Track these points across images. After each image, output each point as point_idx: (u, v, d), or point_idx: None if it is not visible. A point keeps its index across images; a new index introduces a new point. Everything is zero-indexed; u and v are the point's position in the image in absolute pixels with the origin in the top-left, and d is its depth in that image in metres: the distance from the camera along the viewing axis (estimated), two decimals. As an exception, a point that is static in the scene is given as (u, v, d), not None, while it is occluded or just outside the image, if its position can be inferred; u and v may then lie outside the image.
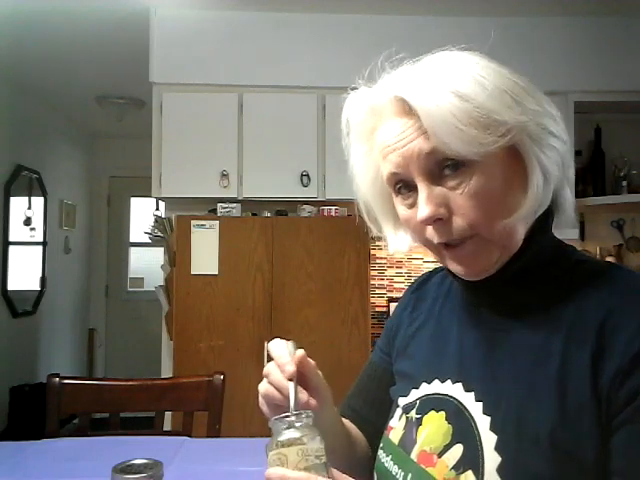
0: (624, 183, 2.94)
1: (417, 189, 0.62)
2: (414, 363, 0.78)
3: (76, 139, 4.93)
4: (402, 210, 0.67)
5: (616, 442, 0.55)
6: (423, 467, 0.66)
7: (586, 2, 2.81)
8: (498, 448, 0.60)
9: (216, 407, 1.60)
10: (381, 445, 0.76)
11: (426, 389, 0.72)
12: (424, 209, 0.61)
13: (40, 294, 4.22)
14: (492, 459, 0.59)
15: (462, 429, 0.64)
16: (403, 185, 0.65)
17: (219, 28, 2.84)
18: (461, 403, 0.66)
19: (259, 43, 2.83)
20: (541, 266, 0.66)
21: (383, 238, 0.76)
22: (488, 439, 0.61)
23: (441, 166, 0.61)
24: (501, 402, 0.62)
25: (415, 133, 0.60)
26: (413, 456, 0.68)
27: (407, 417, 0.73)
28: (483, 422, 0.62)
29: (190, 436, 1.54)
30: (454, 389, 0.69)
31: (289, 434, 0.60)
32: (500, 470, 0.59)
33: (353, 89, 0.69)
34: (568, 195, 0.67)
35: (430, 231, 0.63)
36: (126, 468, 0.81)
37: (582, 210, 3.02)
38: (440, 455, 0.65)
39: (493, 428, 0.61)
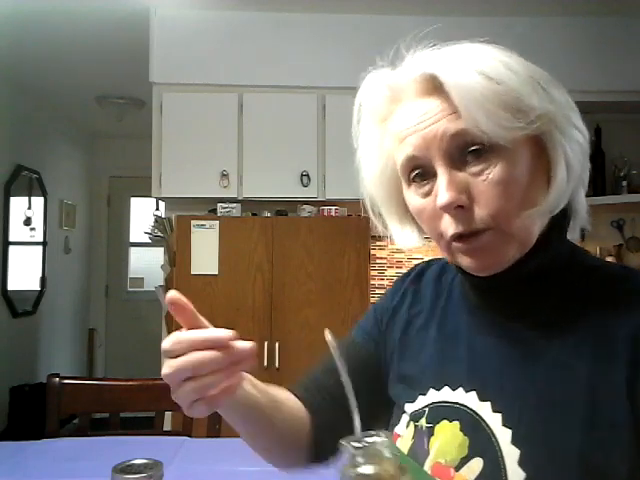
0: (624, 183, 2.94)
1: (434, 176, 0.59)
2: (419, 366, 0.73)
3: (76, 139, 4.93)
4: (415, 200, 0.63)
5: None
6: None
7: (586, 2, 2.81)
8: (522, 463, 0.57)
9: (216, 407, 1.59)
10: None
11: (435, 396, 0.69)
12: (444, 194, 0.57)
13: (40, 294, 4.22)
14: (517, 474, 0.57)
15: (480, 441, 0.61)
16: (419, 172, 0.61)
17: (219, 28, 2.84)
18: (476, 413, 0.63)
19: (259, 43, 2.83)
20: (557, 269, 0.63)
21: (389, 234, 0.72)
22: (510, 453, 0.58)
23: (464, 151, 0.58)
24: (523, 415, 0.59)
25: (440, 114, 0.58)
26: (427, 468, 0.64)
27: (416, 425, 0.69)
28: (504, 435, 0.59)
29: (190, 436, 1.54)
30: (467, 398, 0.65)
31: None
32: None
33: (370, 72, 0.66)
34: (582, 198, 0.64)
35: (446, 221, 0.60)
36: (126, 468, 0.81)
37: (582, 210, 3.02)
38: (457, 469, 0.61)
39: (515, 442, 0.58)
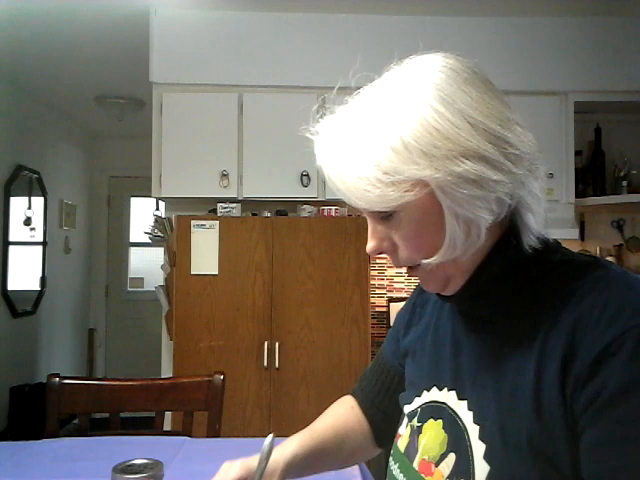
0: (624, 183, 2.94)
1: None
2: (418, 370, 0.79)
3: (76, 139, 4.93)
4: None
5: (582, 448, 0.55)
6: (423, 476, 0.67)
7: (586, 2, 2.81)
8: (486, 457, 0.60)
9: (216, 407, 1.60)
10: (391, 452, 0.77)
11: (426, 397, 0.74)
12: (369, 243, 0.66)
13: (40, 294, 4.22)
14: (482, 468, 0.60)
15: (455, 438, 0.65)
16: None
17: (219, 28, 2.84)
18: (454, 411, 0.67)
19: (259, 43, 2.83)
20: (513, 273, 0.64)
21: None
22: (478, 448, 0.62)
23: (381, 214, 0.63)
24: (488, 411, 0.63)
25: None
26: (415, 465, 0.69)
27: (411, 425, 0.74)
28: (473, 431, 0.63)
29: (190, 436, 1.54)
30: (449, 397, 0.69)
31: None
32: (489, 479, 0.59)
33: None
34: (529, 218, 0.63)
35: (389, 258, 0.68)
36: (126, 468, 0.81)
37: (582, 210, 3.02)
38: (437, 464, 0.66)
39: (482, 437, 0.62)
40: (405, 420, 0.76)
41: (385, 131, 0.58)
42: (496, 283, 0.65)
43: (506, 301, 0.66)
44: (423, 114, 0.57)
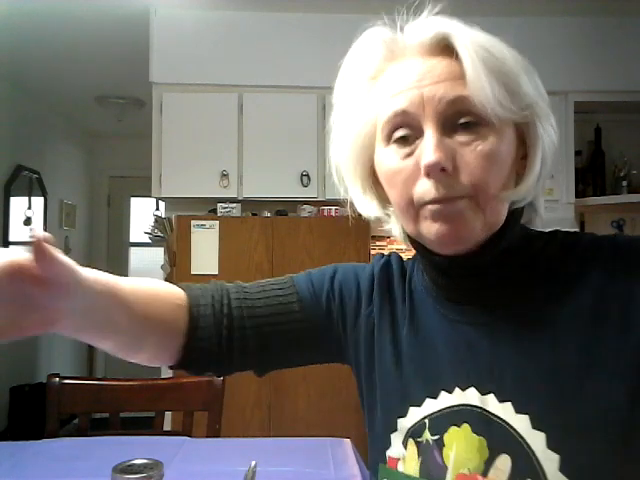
0: (624, 183, 2.94)
1: (417, 139, 0.58)
2: (402, 376, 0.67)
3: (76, 139, 4.93)
4: (393, 161, 0.60)
5: None
6: None
7: (586, 2, 2.81)
8: (551, 446, 0.55)
9: (216, 407, 1.60)
10: None
11: (433, 405, 0.63)
12: (432, 154, 0.55)
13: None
14: (549, 459, 0.55)
15: (497, 437, 0.58)
16: (403, 134, 0.59)
17: (219, 28, 2.84)
18: (483, 409, 0.60)
19: (259, 43, 2.83)
20: (516, 251, 0.63)
21: (348, 200, 0.69)
22: (535, 439, 0.56)
23: (457, 119, 0.57)
24: (533, 398, 0.57)
25: (445, 76, 0.57)
26: None
27: (418, 442, 0.63)
28: (520, 422, 0.57)
29: (190, 436, 1.54)
30: (468, 396, 0.61)
31: None
32: (563, 468, 0.54)
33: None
34: (541, 203, 0.66)
35: (424, 185, 0.57)
36: (126, 468, 0.81)
37: (582, 210, 3.02)
38: (485, 473, 0.58)
39: (536, 426, 0.56)
40: (398, 438, 0.65)
41: (513, 53, 0.60)
42: (513, 250, 0.62)
43: (514, 276, 0.63)
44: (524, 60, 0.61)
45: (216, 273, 2.60)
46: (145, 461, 0.83)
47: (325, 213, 2.76)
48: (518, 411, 0.57)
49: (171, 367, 0.70)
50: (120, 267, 5.21)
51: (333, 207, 2.76)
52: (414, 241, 0.65)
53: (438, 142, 0.56)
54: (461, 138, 0.57)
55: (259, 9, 2.82)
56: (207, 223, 2.62)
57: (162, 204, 3.14)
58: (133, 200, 5.26)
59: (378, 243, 3.00)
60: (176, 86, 2.80)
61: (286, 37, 2.84)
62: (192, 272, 2.59)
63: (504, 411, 0.58)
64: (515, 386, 0.59)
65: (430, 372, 0.65)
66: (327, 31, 2.86)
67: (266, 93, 2.81)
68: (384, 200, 0.66)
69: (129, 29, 2.92)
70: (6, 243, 3.78)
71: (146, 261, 5.12)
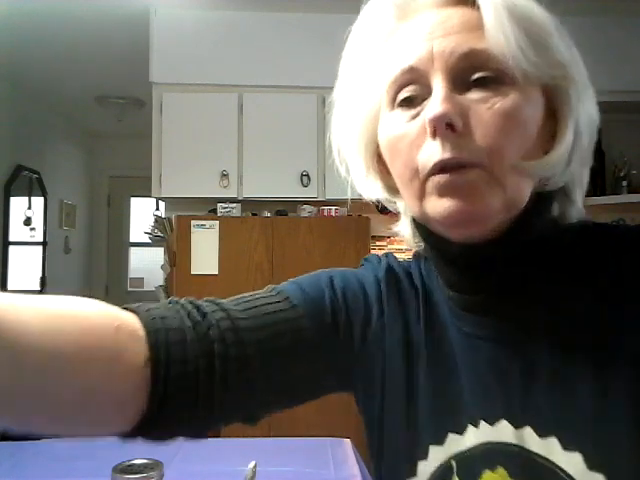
0: (624, 183, 2.94)
1: (426, 100, 0.49)
2: (418, 406, 0.55)
3: (76, 139, 4.93)
4: (396, 125, 0.51)
5: None
6: None
7: (586, 2, 2.81)
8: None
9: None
10: None
11: (458, 442, 0.52)
12: (438, 106, 0.46)
13: (40, 294, 4.21)
14: None
15: (540, 478, 0.47)
16: (408, 96, 0.50)
17: (219, 28, 2.84)
18: (522, 447, 0.49)
19: (259, 43, 2.83)
20: (547, 244, 0.52)
21: (350, 182, 0.59)
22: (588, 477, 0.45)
23: (471, 74, 0.48)
24: (584, 432, 0.46)
25: (460, 26, 0.49)
26: None
27: None
28: (571, 462, 0.46)
29: (190, 436, 1.53)
30: (500, 431, 0.50)
31: None
32: None
33: None
34: (578, 194, 0.55)
35: (430, 148, 0.47)
36: (126, 468, 0.81)
37: (582, 210, 3.02)
38: None
39: (593, 466, 0.45)
40: None
41: (543, 11, 0.51)
42: (536, 250, 0.51)
43: (548, 266, 0.51)
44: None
45: (216, 273, 2.59)
46: (145, 461, 0.84)
47: (325, 213, 2.76)
48: (567, 448, 0.46)
49: (127, 435, 0.46)
50: (120, 267, 5.22)
51: (333, 207, 2.76)
52: (422, 230, 0.54)
53: (447, 95, 0.47)
54: (477, 95, 0.47)
55: (259, 9, 2.82)
56: (207, 223, 2.62)
57: (162, 204, 3.15)
58: (133, 200, 5.26)
59: (378, 243, 3.00)
60: (176, 86, 2.80)
61: (286, 37, 2.84)
62: (192, 272, 2.59)
63: (548, 448, 0.47)
64: (558, 417, 0.47)
65: (451, 401, 0.53)
66: (327, 31, 2.85)
67: (266, 93, 2.81)
68: (390, 187, 0.57)
69: (129, 29, 2.92)
70: (6, 243, 3.78)
71: (146, 261, 5.12)
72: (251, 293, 0.58)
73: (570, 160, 0.50)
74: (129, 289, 5.23)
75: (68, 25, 2.93)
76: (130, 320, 0.47)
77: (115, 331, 0.44)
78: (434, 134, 0.47)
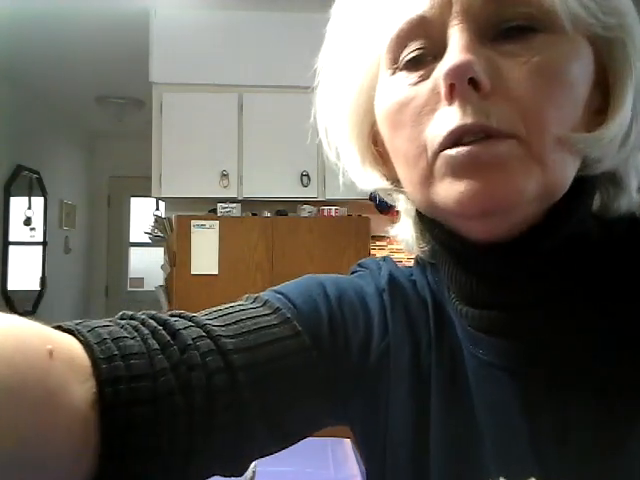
0: (624, 183, 2.94)
1: (437, 58, 0.36)
2: (429, 461, 0.42)
3: (76, 139, 4.93)
4: (399, 90, 0.38)
5: None
6: None
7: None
8: None
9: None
10: None
11: None
12: (458, 54, 0.34)
13: (40, 294, 4.21)
14: None
15: None
16: (416, 55, 0.37)
17: (219, 28, 2.84)
18: None
19: (259, 43, 2.83)
20: (590, 241, 0.39)
21: (341, 168, 0.47)
22: None
23: (501, 23, 0.35)
24: None
25: None
26: None
27: None
28: None
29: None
30: None
31: None
32: None
33: None
34: (632, 178, 0.40)
35: (444, 115, 0.35)
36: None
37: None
38: None
39: None
40: None
41: None
42: (577, 248, 0.39)
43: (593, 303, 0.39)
44: None
45: (216, 273, 2.59)
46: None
47: (325, 213, 2.76)
48: None
49: None
50: (120, 267, 5.22)
51: (333, 207, 2.76)
52: (430, 226, 0.42)
53: (469, 43, 0.35)
54: (510, 47, 0.35)
55: (259, 9, 2.82)
56: (207, 223, 2.62)
57: (162, 204, 3.15)
58: (133, 200, 5.26)
59: (378, 243, 2.99)
60: (176, 86, 2.80)
61: (286, 37, 2.84)
62: (192, 272, 2.59)
63: None
64: (604, 472, 0.36)
65: (468, 451, 0.41)
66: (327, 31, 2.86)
67: (266, 93, 2.81)
68: (389, 175, 0.45)
69: (129, 29, 2.92)
70: (6, 243, 3.78)
71: (146, 261, 5.12)
72: (227, 305, 0.43)
73: (629, 134, 0.38)
74: (129, 289, 5.23)
75: (68, 25, 2.93)
76: (67, 343, 0.32)
77: (47, 357, 0.30)
78: (450, 94, 0.34)
